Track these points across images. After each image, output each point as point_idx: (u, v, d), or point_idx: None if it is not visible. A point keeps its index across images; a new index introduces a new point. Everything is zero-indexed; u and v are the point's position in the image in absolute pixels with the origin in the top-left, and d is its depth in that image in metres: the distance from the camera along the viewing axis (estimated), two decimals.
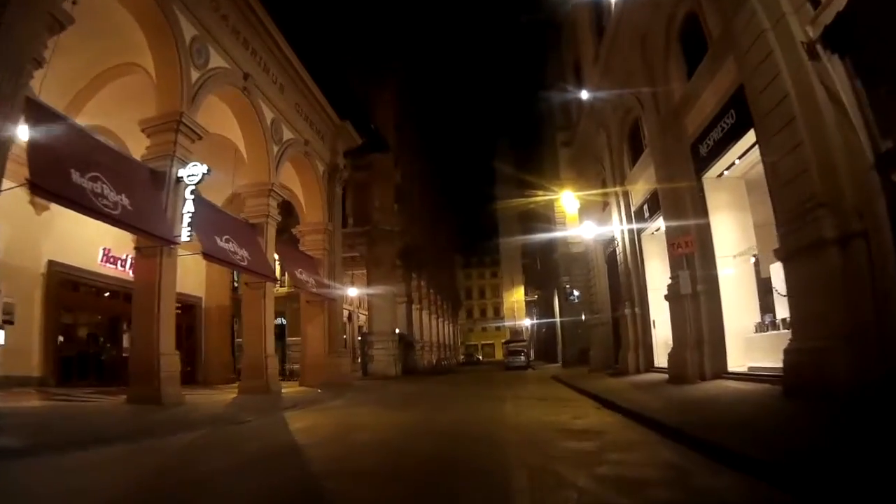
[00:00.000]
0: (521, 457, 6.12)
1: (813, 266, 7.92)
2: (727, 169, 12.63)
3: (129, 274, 22.71)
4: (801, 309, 8.32)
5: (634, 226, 18.92)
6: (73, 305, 21.33)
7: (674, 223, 13.79)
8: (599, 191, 23.22)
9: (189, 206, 15.93)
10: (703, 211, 13.09)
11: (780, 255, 8.76)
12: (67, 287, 20.35)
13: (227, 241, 18.05)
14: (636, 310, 18.37)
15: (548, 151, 43.89)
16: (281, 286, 41.32)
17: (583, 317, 33.63)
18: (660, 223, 17.02)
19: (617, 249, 20.34)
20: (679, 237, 13.16)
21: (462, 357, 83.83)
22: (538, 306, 61.40)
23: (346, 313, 48.50)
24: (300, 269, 23.10)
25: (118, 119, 19.21)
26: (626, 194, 19.60)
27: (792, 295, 8.62)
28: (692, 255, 12.98)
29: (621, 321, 19.56)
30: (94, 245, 21.20)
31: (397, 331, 39.15)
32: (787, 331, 10.37)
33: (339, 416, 12.57)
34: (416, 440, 7.91)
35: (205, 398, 17.54)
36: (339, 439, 8.43)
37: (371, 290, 38.42)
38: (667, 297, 14.15)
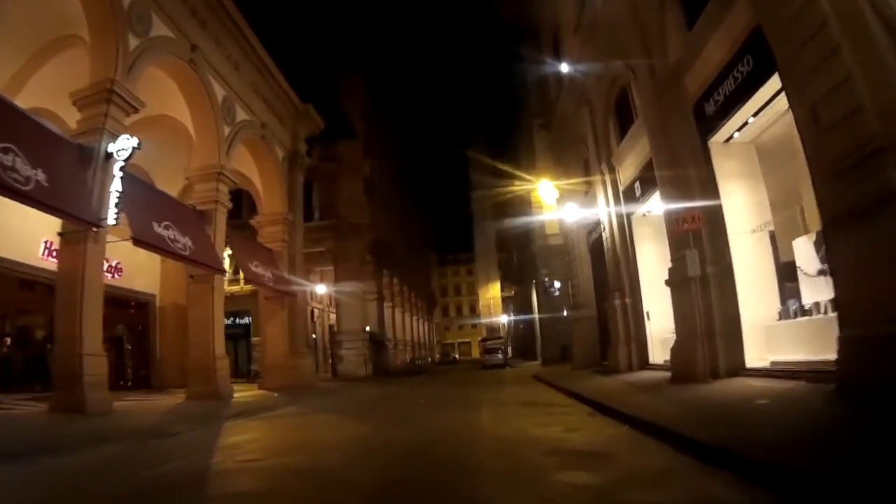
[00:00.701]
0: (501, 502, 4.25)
1: (873, 229, 6.13)
2: (738, 130, 10.88)
3: None
4: (857, 286, 6.53)
5: (623, 208, 17.16)
6: (15, 303, 19.31)
7: (675, 197, 12.00)
8: (581, 179, 21.45)
9: (117, 185, 13.80)
10: (710, 181, 11.30)
11: (826, 217, 6.98)
12: (7, 284, 18.31)
13: (166, 227, 15.94)
14: (627, 300, 16.61)
15: (524, 141, 42.17)
16: (245, 283, 39.35)
17: (564, 312, 31.97)
18: (653, 203, 15.32)
19: (603, 235, 18.59)
20: (683, 212, 11.37)
21: (438, 356, 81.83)
22: (515, 302, 59.71)
23: (315, 312, 46.40)
24: (255, 262, 20.98)
25: (61, 99, 17.05)
26: (613, 173, 17.83)
27: (843, 269, 6.85)
28: (699, 233, 11.19)
29: (609, 314, 17.79)
30: (36, 237, 18.83)
31: (367, 329, 37.10)
32: (822, 316, 8.65)
33: (284, 428, 10.67)
34: (364, 465, 5.96)
35: (142, 406, 15.64)
36: (269, 461, 6.49)
37: (339, 287, 36.33)
38: (669, 283, 12.36)
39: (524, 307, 49.08)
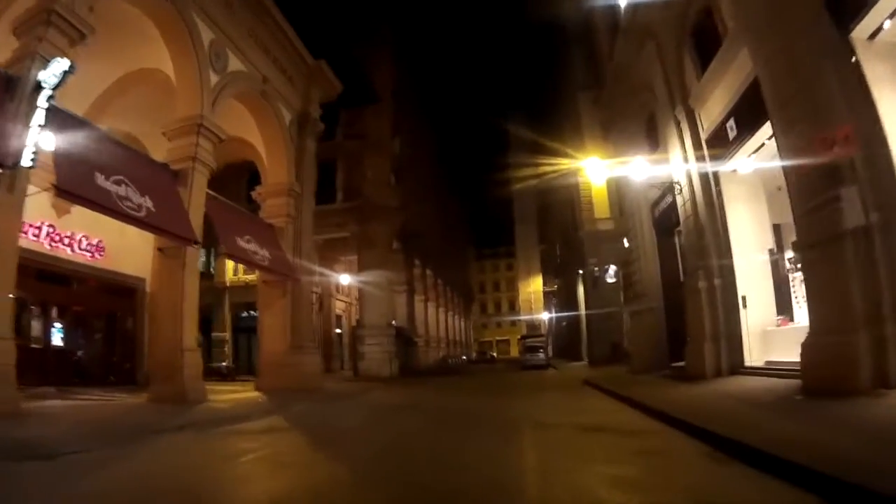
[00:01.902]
0: None
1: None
2: (891, 17, 6.93)
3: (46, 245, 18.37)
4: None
5: (709, 163, 13.05)
6: None
7: (800, 121, 7.97)
8: (639, 159, 17.34)
9: (39, 118, 10.43)
10: (857, 90, 7.28)
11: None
12: None
13: (117, 182, 12.57)
14: (715, 282, 12.48)
15: (569, 119, 38.00)
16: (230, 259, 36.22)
17: (621, 302, 27.90)
18: (756, 142, 11.26)
19: (679, 200, 14.50)
20: (824, 130, 7.32)
21: (475, 354, 77.75)
22: (558, 297, 55.29)
23: (341, 306, 43.08)
24: (247, 237, 17.47)
25: None
26: (691, 119, 13.75)
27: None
28: (849, 162, 7.13)
29: (688, 302, 13.72)
30: None
31: (393, 324, 33.47)
32: None
33: (227, 454, 7.32)
34: None
35: (77, 408, 12.50)
36: None
37: (362, 277, 32.81)
38: (800, 247, 8.31)
39: (568, 302, 44.82)
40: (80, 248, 19.74)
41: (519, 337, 67.84)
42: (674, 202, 16.29)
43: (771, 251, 12.64)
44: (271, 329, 19.28)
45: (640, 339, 18.60)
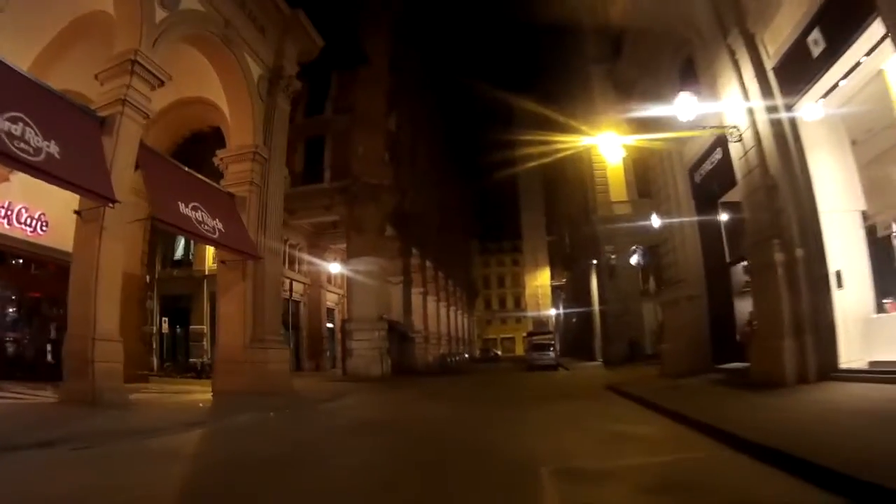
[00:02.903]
0: None
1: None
2: None
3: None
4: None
5: (781, 98, 9.87)
6: None
7: None
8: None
9: None
10: None
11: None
12: None
13: (12, 119, 9.58)
14: (797, 253, 9.28)
15: (580, 96, 34.72)
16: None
17: (640, 294, 24.83)
18: (845, 65, 8.15)
19: (734, 154, 11.33)
20: None
21: (478, 352, 74.33)
22: (567, 291, 51.93)
23: (333, 298, 39.95)
24: (194, 204, 14.32)
25: None
26: (751, 47, 10.55)
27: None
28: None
29: (757, 283, 10.55)
30: None
31: (386, 317, 30.33)
32: None
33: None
34: None
35: None
36: None
37: (351, 265, 29.70)
38: None
39: (578, 296, 41.51)
40: (18, 222, 16.75)
41: (525, 334, 64.48)
42: (720, 163, 13.21)
43: (864, 213, 9.52)
44: (228, 319, 16.22)
45: (676, 334, 15.40)
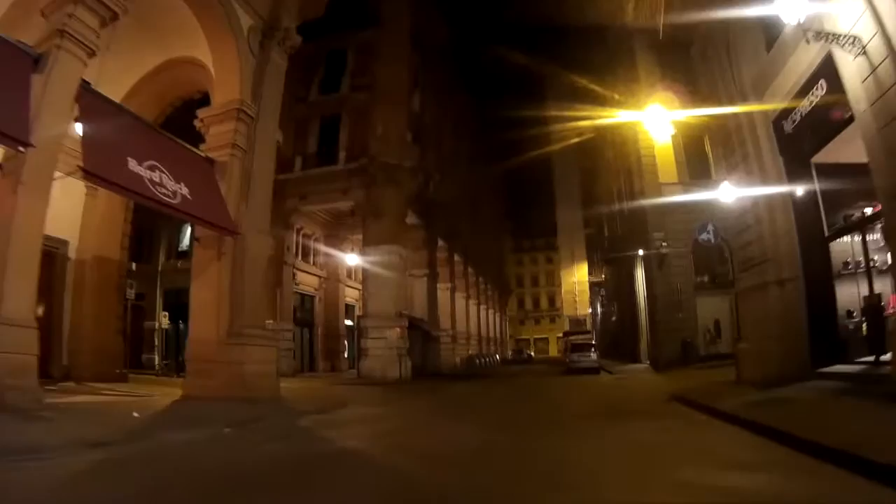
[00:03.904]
0: None
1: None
2: None
3: None
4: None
5: None
6: None
7: None
8: None
9: None
10: None
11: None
12: None
13: None
14: None
15: (621, 71, 31.40)
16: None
17: (693, 288, 21.60)
18: None
19: (861, 70, 8.19)
20: None
21: (510, 352, 70.96)
22: (607, 287, 48.34)
23: (353, 294, 37.13)
24: (151, 163, 11.58)
25: None
26: None
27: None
28: None
29: None
30: None
31: (406, 313, 27.45)
32: None
33: None
34: None
35: None
36: None
37: (367, 254, 26.96)
38: None
39: (619, 292, 38.08)
40: None
41: (561, 334, 61.08)
42: (820, 107, 10.09)
43: None
44: (201, 309, 13.50)
45: (759, 329, 12.14)
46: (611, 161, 38.66)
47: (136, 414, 9.93)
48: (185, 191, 12.46)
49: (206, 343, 13.09)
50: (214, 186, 14.10)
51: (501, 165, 66.18)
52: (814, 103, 10.57)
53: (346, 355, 34.69)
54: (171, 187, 11.96)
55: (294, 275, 30.82)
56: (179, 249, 33.32)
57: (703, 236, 15.56)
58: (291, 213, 29.51)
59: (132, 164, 11.13)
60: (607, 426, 8.80)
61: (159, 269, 31.20)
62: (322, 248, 34.53)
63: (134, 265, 22.67)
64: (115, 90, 15.42)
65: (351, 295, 37.09)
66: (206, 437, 8.33)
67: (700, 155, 27.50)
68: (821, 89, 10.25)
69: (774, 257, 11.71)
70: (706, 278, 26.14)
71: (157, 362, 28.42)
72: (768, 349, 11.49)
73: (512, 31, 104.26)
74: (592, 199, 54.46)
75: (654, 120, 26.95)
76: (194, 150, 14.49)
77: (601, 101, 30.99)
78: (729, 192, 14.40)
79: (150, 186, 11.57)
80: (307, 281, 33.37)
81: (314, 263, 34.33)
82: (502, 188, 77.01)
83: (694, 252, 25.56)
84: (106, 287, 17.67)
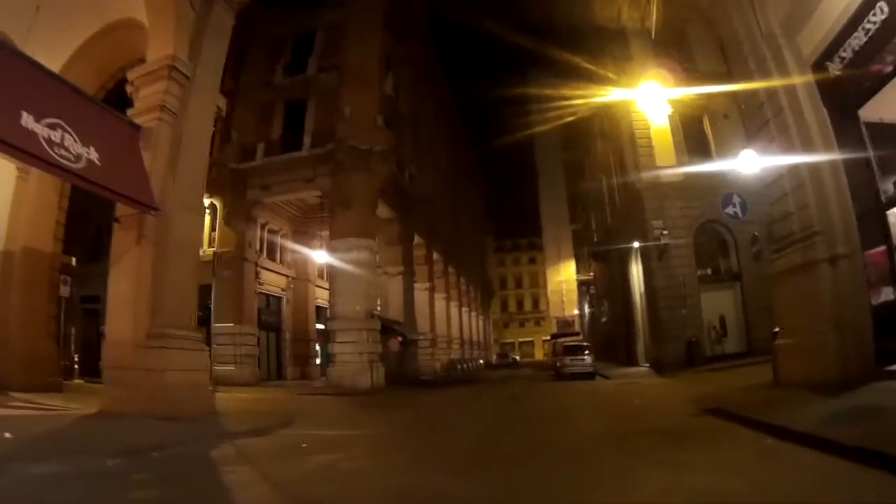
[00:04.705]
0: None
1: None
2: None
3: None
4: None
5: None
6: None
7: None
8: None
9: None
10: None
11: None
12: None
13: None
14: None
15: (612, 52, 29.43)
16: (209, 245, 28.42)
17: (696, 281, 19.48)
18: None
19: None
20: None
21: (495, 357, 68.59)
22: (598, 285, 46.19)
23: (325, 295, 34.46)
24: (51, 120, 9.11)
25: None
26: None
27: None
28: None
29: None
30: None
31: (377, 313, 25.09)
32: None
33: None
34: None
35: None
36: None
37: (335, 249, 24.59)
38: None
39: (612, 289, 35.87)
40: None
41: (549, 336, 58.75)
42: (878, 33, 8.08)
43: None
44: (118, 303, 11.12)
45: (804, 320, 9.96)
46: (599, 150, 36.68)
47: (7, 435, 7.59)
48: (93, 156, 10.06)
49: (123, 346, 10.70)
50: (136, 155, 11.72)
51: (482, 157, 64.17)
52: (870, 32, 8.50)
53: (318, 361, 32.27)
54: (75, 150, 9.57)
55: (258, 273, 28.40)
56: None
57: (729, 210, 13.35)
58: (253, 206, 27.10)
59: (26, 120, 8.75)
60: (641, 460, 6.27)
61: None
62: (290, 245, 32.14)
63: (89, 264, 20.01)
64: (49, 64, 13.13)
65: (322, 296, 34.46)
66: (73, 472, 6.00)
67: (699, 135, 25.59)
68: (879, 15, 8.20)
69: (825, 229, 9.56)
70: (709, 271, 24.17)
71: None
72: (819, 343, 9.30)
73: (492, 5, 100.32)
74: (579, 192, 52.43)
75: (649, 99, 25.21)
76: (116, 112, 12.10)
77: (589, 80, 28.92)
78: (751, 162, 12.32)
79: (46, 147, 9.17)
80: (274, 281, 30.92)
81: (281, 262, 31.89)
82: (484, 186, 74.95)
83: (695, 242, 23.61)
84: (34, 284, 15.26)
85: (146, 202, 11.21)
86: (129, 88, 13.24)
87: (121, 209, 11.79)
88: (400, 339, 28.27)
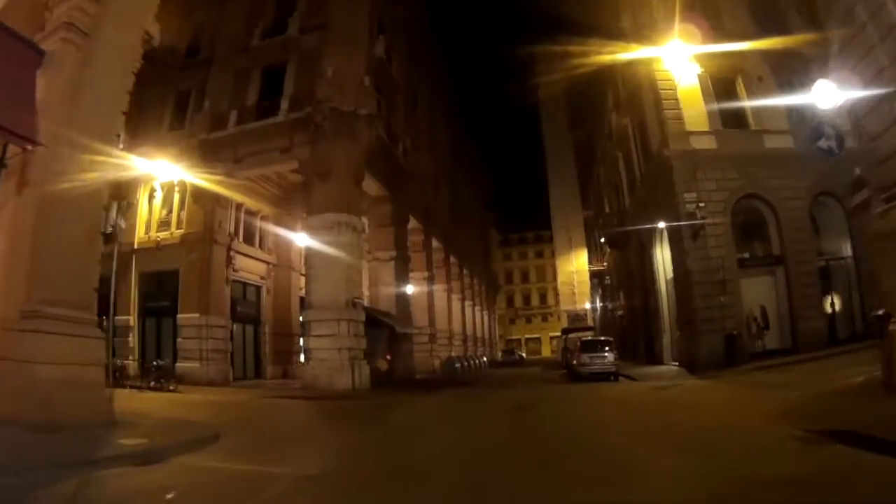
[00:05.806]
0: None
1: None
2: None
3: None
4: None
5: None
6: None
7: None
8: None
9: None
10: None
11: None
12: None
13: None
14: None
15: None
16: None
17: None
18: None
19: None
20: None
21: (500, 354, 65.50)
22: (613, 274, 42.74)
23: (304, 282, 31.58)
24: None
25: None
26: None
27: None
28: None
29: None
30: None
31: (360, 302, 21.99)
32: None
33: None
34: None
35: None
36: None
37: (312, 226, 21.64)
38: None
39: (630, 278, 32.44)
40: None
41: (558, 332, 55.55)
42: None
43: None
44: None
45: None
46: (614, 125, 33.56)
47: None
48: None
49: None
50: (26, 81, 8.76)
51: (484, 146, 61.07)
52: None
53: (301, 358, 29.34)
54: None
55: (231, 259, 25.52)
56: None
57: (822, 143, 10.29)
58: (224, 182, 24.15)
59: None
60: None
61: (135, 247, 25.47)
62: (271, 228, 29.24)
63: None
64: None
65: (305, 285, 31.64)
66: None
67: (732, 100, 22.53)
68: None
69: None
70: (746, 254, 21.12)
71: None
72: None
73: None
74: (591, 175, 49.31)
75: (675, 56, 22.45)
76: (17, 33, 9.13)
77: (606, 38, 25.88)
78: (830, 94, 9.36)
79: None
80: (251, 267, 28.00)
81: (261, 247, 28.99)
82: (487, 179, 71.61)
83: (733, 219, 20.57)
84: None
85: (23, 134, 8.24)
86: (46, 15, 10.30)
87: (11, 151, 8.85)
88: (388, 358, 25.31)
